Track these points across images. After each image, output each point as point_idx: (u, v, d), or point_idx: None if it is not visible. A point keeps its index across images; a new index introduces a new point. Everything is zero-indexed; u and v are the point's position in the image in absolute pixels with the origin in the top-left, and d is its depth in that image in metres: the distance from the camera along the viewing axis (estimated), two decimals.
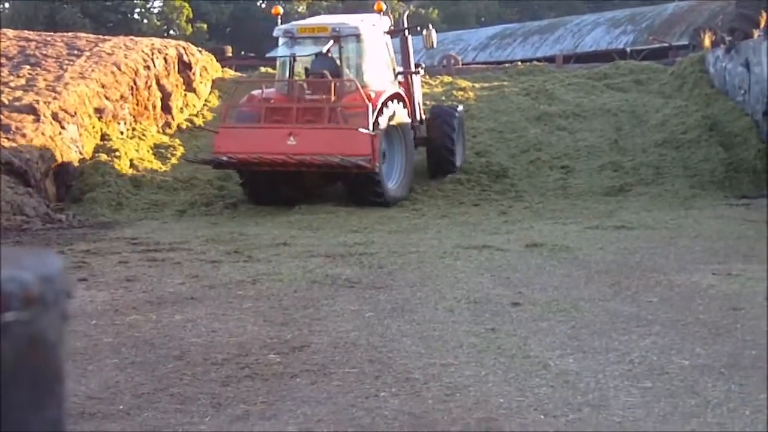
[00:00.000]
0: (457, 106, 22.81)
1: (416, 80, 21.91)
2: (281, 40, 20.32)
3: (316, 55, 19.84)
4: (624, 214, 16.99)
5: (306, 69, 20.17)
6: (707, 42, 27.54)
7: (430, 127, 21.37)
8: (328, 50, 19.69)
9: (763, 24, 25.37)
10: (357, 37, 19.81)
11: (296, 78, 20.15)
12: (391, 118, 19.30)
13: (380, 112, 18.86)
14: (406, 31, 21.68)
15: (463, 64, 33.05)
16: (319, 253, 13.05)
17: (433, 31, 21.74)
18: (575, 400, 6.55)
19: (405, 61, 21.73)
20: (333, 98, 19.04)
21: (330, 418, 6.25)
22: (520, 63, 32.06)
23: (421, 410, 6.38)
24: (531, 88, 26.96)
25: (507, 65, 32.23)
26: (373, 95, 18.93)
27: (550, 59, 36.95)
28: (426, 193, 19.81)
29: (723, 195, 19.50)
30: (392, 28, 21.36)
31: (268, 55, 43.00)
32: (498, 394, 6.70)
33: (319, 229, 15.84)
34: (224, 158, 18.69)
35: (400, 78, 21.20)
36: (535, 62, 32.81)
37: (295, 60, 20.11)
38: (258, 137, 18.64)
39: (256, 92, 20.60)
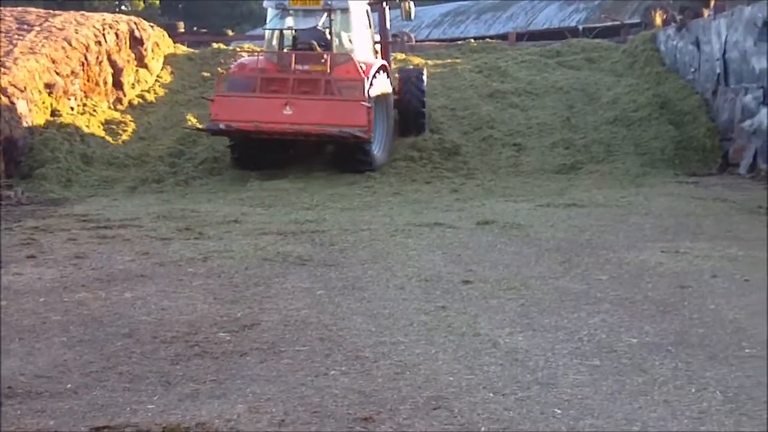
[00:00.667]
0: (422, 69, 23.48)
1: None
2: (272, 12, 20.63)
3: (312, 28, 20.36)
4: (575, 192, 17.08)
5: (294, 39, 20.70)
6: (659, 20, 27.72)
7: (400, 90, 21.96)
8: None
9: (713, 3, 25.54)
10: (346, 9, 20.36)
11: (289, 48, 20.56)
12: (379, 88, 20.09)
13: (371, 83, 19.56)
14: (384, 3, 22.28)
15: (416, 42, 32.97)
16: (271, 230, 13.01)
17: (412, 3, 22.36)
18: (524, 378, 6.59)
19: (382, 31, 22.48)
20: (328, 70, 19.35)
21: (279, 396, 6.25)
22: (473, 40, 32.06)
23: (370, 388, 6.39)
24: (484, 65, 27.00)
25: (460, 42, 32.22)
26: (363, 67, 19.50)
27: (503, 37, 36.98)
28: (378, 169, 19.77)
29: (673, 173, 19.64)
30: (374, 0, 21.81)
31: (253, 32, 42.82)
32: (448, 372, 6.73)
33: (271, 207, 15.79)
34: (221, 125, 19.11)
35: (377, 47, 21.99)
36: (488, 39, 32.86)
37: (293, 32, 20.57)
38: (255, 106, 19.04)
39: (245, 60, 21.27)
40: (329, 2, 20.18)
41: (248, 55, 22.72)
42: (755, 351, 7.23)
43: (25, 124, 19.72)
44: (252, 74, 19.96)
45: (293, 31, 20.68)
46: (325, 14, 20.29)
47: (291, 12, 20.59)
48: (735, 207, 14.84)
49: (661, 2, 34.29)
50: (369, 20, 21.49)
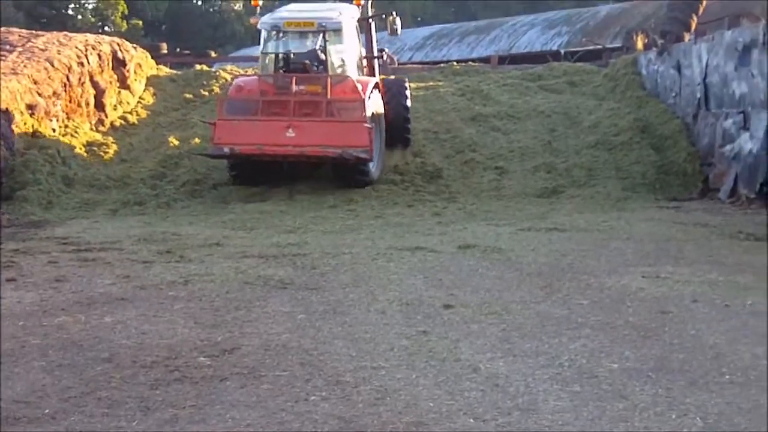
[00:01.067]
0: (404, 80, 23.68)
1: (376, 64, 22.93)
2: (265, 33, 21.06)
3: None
4: (556, 216, 17.10)
5: (286, 59, 20.80)
6: (640, 44, 27.85)
7: (385, 103, 22.02)
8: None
9: (694, 27, 25.71)
10: (339, 29, 20.68)
11: (282, 69, 20.73)
12: (374, 107, 20.52)
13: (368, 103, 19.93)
14: (370, 19, 22.61)
15: (399, 64, 33.06)
16: (252, 253, 12.99)
17: (398, 19, 22.77)
18: (505, 404, 6.59)
19: (368, 46, 22.63)
20: (328, 94, 19.72)
21: (259, 422, 6.23)
22: (455, 63, 32.16)
23: (351, 414, 6.38)
24: (466, 88, 27.05)
25: (442, 65, 32.31)
26: (360, 87, 19.99)
27: (486, 60, 37.09)
28: (360, 193, 19.78)
29: (654, 197, 19.70)
30: (360, 17, 22.09)
31: (236, 54, 42.85)
32: (428, 398, 6.72)
33: (253, 229, 15.76)
34: (225, 149, 19.29)
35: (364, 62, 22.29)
36: (470, 62, 32.94)
37: (291, 55, 20.77)
38: (257, 129, 19.36)
39: (242, 82, 21.38)
40: (323, 23, 20.49)
41: (242, 76, 22.89)
42: (735, 377, 7.25)
43: (6, 146, 19.65)
44: (252, 97, 20.26)
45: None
46: (321, 35, 20.59)
47: (285, 33, 20.90)
48: (716, 232, 14.87)
49: (642, 26, 34.50)
50: (358, 37, 21.77)
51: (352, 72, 20.88)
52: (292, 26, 20.67)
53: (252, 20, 22.28)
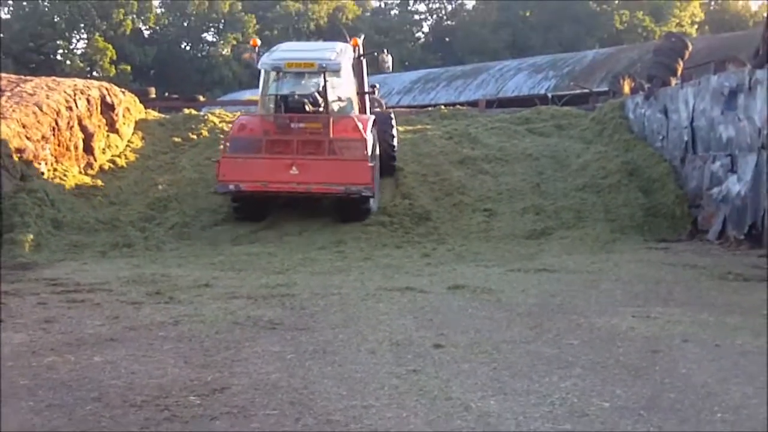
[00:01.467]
0: (390, 113, 24.59)
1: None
2: (265, 74, 21.79)
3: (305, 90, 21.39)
4: (546, 257, 17.12)
5: (285, 98, 21.35)
6: (627, 88, 28.04)
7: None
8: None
9: (680, 72, 25.88)
10: (338, 69, 21.36)
11: (290, 111, 21.18)
12: (372, 143, 21.26)
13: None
14: (362, 56, 23.00)
15: (387, 107, 33.20)
16: (242, 294, 12.96)
17: (389, 56, 23.52)
18: None
19: (360, 83, 23.01)
20: (330, 133, 20.53)
21: None
22: (443, 107, 32.28)
23: None
24: (454, 131, 27.15)
25: (430, 109, 32.44)
26: (360, 125, 20.79)
27: (473, 104, 37.26)
28: (349, 234, 19.80)
29: (643, 239, 19.74)
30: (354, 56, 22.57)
31: (224, 98, 42.92)
32: None
33: (242, 271, 15.74)
34: (231, 186, 20.10)
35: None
36: (458, 106, 33.08)
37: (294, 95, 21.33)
38: (262, 167, 20.14)
39: (244, 121, 21.90)
40: (323, 64, 21.03)
41: (245, 115, 23.37)
42: (727, 416, 7.24)
43: None
44: (256, 135, 20.90)
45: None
46: (321, 75, 21.12)
47: (286, 74, 21.44)
48: (705, 273, 14.90)
49: (629, 71, 34.72)
50: (354, 75, 22.21)
51: (350, 109, 21.73)
52: (293, 67, 21.21)
53: (245, 55, 22.81)
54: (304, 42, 23.19)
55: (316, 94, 21.00)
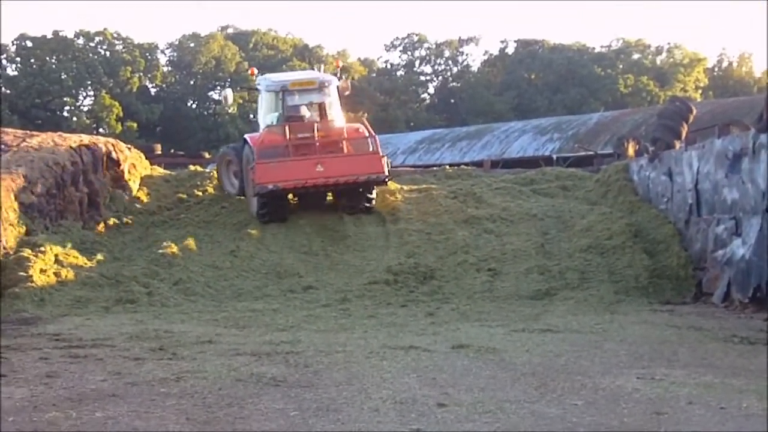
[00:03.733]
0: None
1: None
2: (269, 95, 25.78)
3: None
4: (550, 318, 17.08)
5: (291, 108, 25.28)
6: (631, 151, 28.07)
7: None
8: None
9: (684, 135, 25.96)
10: (332, 87, 25.75)
11: (293, 121, 24.97)
12: None
13: None
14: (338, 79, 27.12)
15: (392, 167, 33.32)
16: (245, 351, 12.93)
17: (349, 82, 28.60)
18: None
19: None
20: (345, 134, 24.99)
21: None
22: (448, 167, 32.35)
23: None
24: (459, 191, 27.16)
25: (435, 168, 32.52)
26: (364, 128, 25.14)
27: (478, 164, 37.39)
28: (353, 292, 19.80)
29: (647, 301, 19.68)
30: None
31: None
32: None
33: (246, 327, 15.72)
34: (270, 186, 23.55)
35: None
36: (462, 166, 33.14)
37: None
38: (293, 167, 23.98)
39: (265, 131, 25.12)
40: (321, 80, 25.76)
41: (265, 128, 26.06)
42: None
43: None
44: (279, 143, 24.47)
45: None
46: (321, 90, 25.51)
47: (291, 92, 25.30)
48: (710, 335, 14.84)
49: (633, 134, 34.85)
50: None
51: (340, 119, 25.69)
52: (296, 86, 25.57)
53: (250, 70, 28.93)
54: (289, 72, 32.49)
55: (310, 111, 25.17)
